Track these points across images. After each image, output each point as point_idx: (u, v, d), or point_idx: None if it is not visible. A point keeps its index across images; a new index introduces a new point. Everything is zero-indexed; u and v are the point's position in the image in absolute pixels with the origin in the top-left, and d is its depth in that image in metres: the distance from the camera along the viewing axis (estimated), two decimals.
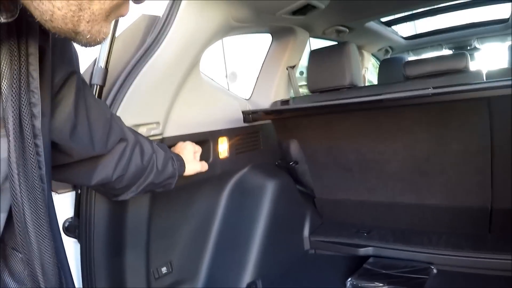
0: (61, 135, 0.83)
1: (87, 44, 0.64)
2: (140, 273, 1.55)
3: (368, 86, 3.16)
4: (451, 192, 2.23)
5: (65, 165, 0.93)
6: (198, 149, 1.48)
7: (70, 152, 0.90)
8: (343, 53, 2.26)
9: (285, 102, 2.42)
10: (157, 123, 1.49)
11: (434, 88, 1.65)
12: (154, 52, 1.43)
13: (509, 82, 1.50)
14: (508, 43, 3.73)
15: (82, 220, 1.31)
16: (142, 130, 1.42)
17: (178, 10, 1.47)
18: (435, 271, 1.98)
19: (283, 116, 2.40)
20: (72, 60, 0.83)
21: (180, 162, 1.32)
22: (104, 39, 0.66)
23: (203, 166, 1.45)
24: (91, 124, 0.92)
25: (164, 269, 1.74)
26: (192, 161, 1.41)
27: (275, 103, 2.41)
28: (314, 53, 2.41)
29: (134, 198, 1.26)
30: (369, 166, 2.39)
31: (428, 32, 4.03)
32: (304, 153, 2.51)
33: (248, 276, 1.95)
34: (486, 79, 1.95)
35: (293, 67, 2.51)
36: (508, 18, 3.37)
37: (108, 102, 1.32)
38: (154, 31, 1.47)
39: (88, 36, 0.62)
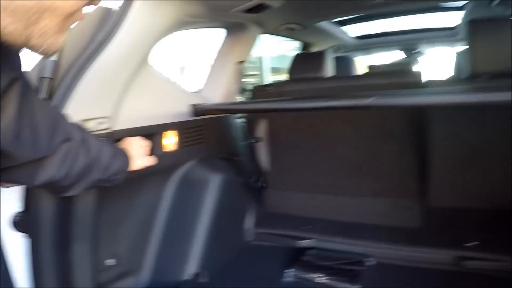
0: (5, 141, 0.85)
1: (43, 54, 0.67)
2: (87, 265, 1.57)
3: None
4: (390, 188, 2.42)
5: (9, 167, 0.96)
6: (146, 144, 1.52)
7: (14, 156, 0.92)
8: None
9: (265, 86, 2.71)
10: (107, 117, 1.51)
11: None
12: (106, 46, 1.44)
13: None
14: (454, 48, 3.97)
15: (30, 214, 1.32)
16: (92, 125, 1.43)
17: (132, 4, 1.49)
18: (373, 263, 2.12)
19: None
20: (15, 65, 0.84)
21: (126, 157, 1.35)
22: (59, 49, 0.69)
23: (150, 161, 1.50)
24: (35, 128, 0.93)
25: (110, 261, 1.78)
26: (140, 156, 1.45)
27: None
28: None
29: (81, 194, 1.29)
30: (322, 156, 2.53)
31: (378, 33, 4.20)
32: (269, 134, 2.62)
33: (192, 267, 2.02)
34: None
35: (241, 62, 2.56)
36: (454, 27, 3.57)
37: (58, 96, 1.33)
38: (107, 25, 1.48)
39: (42, 48, 0.65)
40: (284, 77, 8.83)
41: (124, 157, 1.34)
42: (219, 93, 2.45)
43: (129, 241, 1.90)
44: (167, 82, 2.01)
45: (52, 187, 1.14)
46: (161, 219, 2.04)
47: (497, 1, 2.45)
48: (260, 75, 8.74)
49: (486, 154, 2.09)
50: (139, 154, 1.45)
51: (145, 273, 1.96)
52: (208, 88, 2.47)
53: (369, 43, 4.31)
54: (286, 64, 2.94)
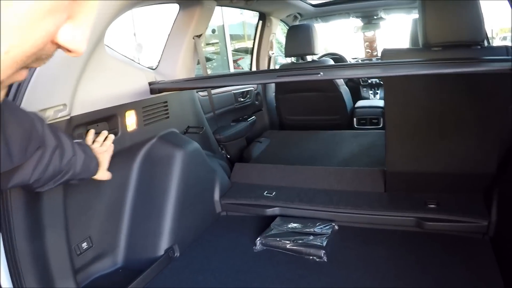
0: None
1: None
2: (63, 251, 1.65)
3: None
4: (353, 156, 2.69)
5: None
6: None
7: None
8: None
9: None
10: (64, 104, 1.55)
11: None
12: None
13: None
14: (412, 16, 4.13)
15: (0, 208, 1.38)
16: (50, 113, 1.49)
17: None
18: (336, 227, 2.27)
19: None
20: None
21: (96, 166, 1.48)
22: None
23: (108, 176, 1.62)
24: (7, 139, 0.99)
25: (84, 245, 1.87)
26: (104, 169, 1.58)
27: None
28: None
29: None
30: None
31: (337, 0, 4.31)
32: None
33: (165, 242, 2.12)
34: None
35: (199, 36, 2.62)
36: None
37: (13, 89, 1.37)
38: None
39: None
40: (245, 44, 8.87)
41: (94, 165, 1.47)
42: (176, 69, 2.52)
43: (101, 223, 1.99)
44: (123, 61, 2.06)
45: (25, 186, 1.25)
46: (130, 199, 2.13)
47: None
48: (221, 43, 8.79)
49: (439, 121, 2.25)
50: (104, 167, 1.58)
51: (120, 252, 2.06)
52: (165, 64, 2.52)
53: (328, 10, 4.42)
54: (246, 31, 3.06)
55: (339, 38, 7.34)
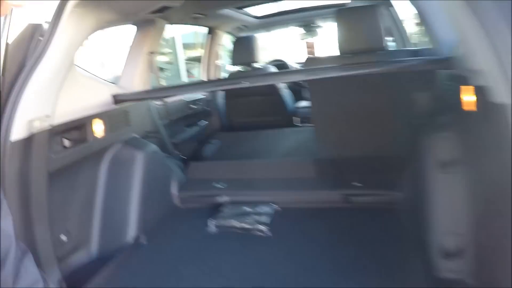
0: None
1: None
2: (48, 242, 1.97)
3: None
4: (292, 150, 3.29)
5: None
6: None
7: None
8: None
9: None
10: (47, 115, 1.92)
11: None
12: (41, 58, 1.85)
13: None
14: None
15: None
16: (37, 124, 1.85)
17: (59, 21, 1.90)
18: (278, 208, 2.72)
19: None
20: None
21: None
22: None
23: None
24: None
25: (63, 237, 2.17)
26: None
27: None
28: None
29: (36, 180, 1.80)
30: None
31: (278, 12, 4.81)
32: None
33: (132, 231, 2.47)
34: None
35: (153, 53, 3.01)
36: (343, 3, 4.22)
37: (10, 104, 1.75)
38: (44, 38, 1.89)
39: None
40: (197, 52, 9.15)
41: None
42: (135, 82, 2.90)
43: (76, 218, 2.31)
44: (90, 77, 2.44)
45: None
46: (100, 195, 2.45)
47: None
48: (173, 53, 9.12)
49: (356, 114, 2.77)
50: None
51: (94, 243, 2.38)
52: (125, 78, 2.89)
53: (270, 21, 4.92)
54: (199, 39, 3.52)
55: (287, 45, 7.84)
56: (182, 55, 9.26)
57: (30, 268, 1.52)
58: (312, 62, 2.88)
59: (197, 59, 9.32)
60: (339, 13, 2.70)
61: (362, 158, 2.76)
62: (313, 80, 2.68)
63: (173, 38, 8.90)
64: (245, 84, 2.27)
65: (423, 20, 2.26)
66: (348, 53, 2.62)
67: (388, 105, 2.65)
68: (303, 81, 3.99)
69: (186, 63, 9.35)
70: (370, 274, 1.99)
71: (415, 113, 2.42)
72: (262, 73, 3.86)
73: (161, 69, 6.30)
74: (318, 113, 2.90)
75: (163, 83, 3.64)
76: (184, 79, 8.95)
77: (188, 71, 9.28)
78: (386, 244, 2.18)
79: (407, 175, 2.46)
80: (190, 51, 9.89)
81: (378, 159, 2.68)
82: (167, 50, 8.91)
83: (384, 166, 2.60)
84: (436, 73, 2.16)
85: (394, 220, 2.35)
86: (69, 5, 1.90)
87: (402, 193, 2.49)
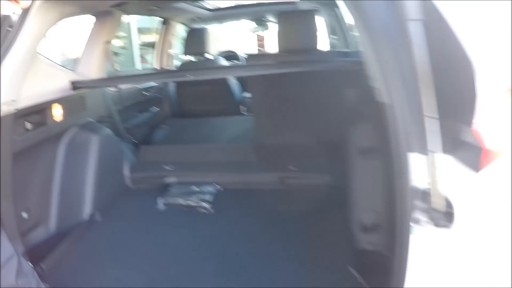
0: None
1: None
2: (12, 218, 2.15)
3: None
4: (236, 136, 3.61)
5: None
6: None
7: None
8: None
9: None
10: (14, 100, 2.10)
11: None
12: (11, 47, 2.03)
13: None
14: None
15: None
16: (4, 107, 2.02)
17: (28, 14, 2.08)
18: (221, 189, 3.03)
19: None
20: None
21: None
22: None
23: None
24: None
25: (24, 214, 2.33)
26: None
27: None
28: None
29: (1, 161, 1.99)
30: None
31: (230, 6, 5.05)
32: None
33: (88, 209, 2.68)
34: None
35: (109, 42, 3.19)
36: (294, 1, 4.51)
37: None
38: (13, 29, 2.06)
39: None
40: (151, 37, 9.18)
41: None
42: (91, 69, 3.07)
43: (36, 196, 2.47)
44: (51, 65, 2.59)
45: None
46: (58, 175, 2.61)
47: None
48: (128, 38, 9.15)
49: (290, 105, 3.11)
50: None
51: (52, 220, 2.56)
52: (83, 66, 3.05)
53: (222, 14, 5.17)
54: (153, 24, 3.73)
55: (240, 36, 8.08)
56: (137, 40, 9.30)
57: (4, 244, 1.68)
58: (253, 58, 3.19)
59: (152, 45, 9.40)
60: (280, 15, 2.99)
61: (297, 145, 3.07)
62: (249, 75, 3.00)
63: (128, 24, 8.92)
64: (190, 78, 2.52)
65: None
66: (285, 52, 2.92)
67: (320, 98, 2.97)
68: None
69: (141, 48, 9.40)
70: (301, 245, 2.30)
71: (344, 105, 2.71)
72: (210, 65, 4.13)
73: (115, 53, 6.43)
74: (257, 104, 3.22)
75: (117, 69, 3.82)
76: (138, 65, 9.02)
77: (142, 56, 9.33)
78: (316, 220, 2.49)
79: (336, 160, 2.75)
80: (145, 36, 9.92)
81: (312, 145, 3.00)
82: (122, 34, 8.94)
83: (316, 152, 2.92)
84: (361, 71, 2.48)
85: (324, 200, 2.67)
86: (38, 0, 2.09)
87: (332, 176, 2.83)
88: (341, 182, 2.54)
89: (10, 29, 2.10)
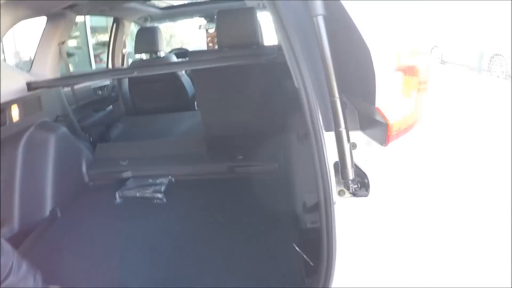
0: None
1: None
2: None
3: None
4: (188, 129, 3.83)
5: None
6: None
7: None
8: None
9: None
10: None
11: None
12: None
13: None
14: None
15: None
16: None
17: None
18: (173, 179, 3.20)
19: None
20: None
21: None
22: None
23: None
24: None
25: None
26: None
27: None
28: None
29: None
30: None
31: (181, 4, 5.20)
32: None
33: (48, 205, 2.78)
34: None
35: (63, 43, 3.29)
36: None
37: None
38: None
39: None
40: (106, 36, 9.13)
41: None
42: (46, 70, 3.15)
43: None
44: (6, 67, 2.69)
45: None
46: (18, 175, 2.67)
47: None
48: (82, 37, 9.10)
49: (234, 97, 3.29)
50: None
51: (15, 220, 2.61)
52: (38, 67, 3.14)
53: (174, 13, 5.31)
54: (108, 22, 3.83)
55: (191, 33, 8.19)
56: (91, 39, 9.26)
57: None
58: (196, 55, 3.39)
59: (106, 44, 9.38)
60: (219, 13, 3.13)
61: (244, 135, 3.26)
62: (196, 70, 3.16)
63: (83, 23, 8.89)
64: (135, 74, 2.67)
65: None
66: (226, 47, 3.10)
67: (262, 90, 3.17)
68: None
69: (95, 48, 9.36)
70: (250, 228, 2.49)
71: (283, 96, 2.87)
72: (159, 63, 4.26)
73: (70, 54, 6.44)
74: (203, 98, 3.42)
75: (71, 69, 3.91)
76: (93, 65, 9.01)
77: (97, 56, 9.30)
78: (264, 205, 2.64)
79: (280, 147, 2.98)
80: (100, 36, 9.86)
81: (257, 135, 3.15)
82: (75, 33, 8.88)
83: (262, 141, 3.07)
84: None
85: (272, 186, 2.82)
86: None
87: (277, 163, 3.03)
88: (285, 168, 2.75)
89: None
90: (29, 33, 3.87)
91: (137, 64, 4.42)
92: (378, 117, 1.36)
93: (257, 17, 3.14)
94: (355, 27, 1.27)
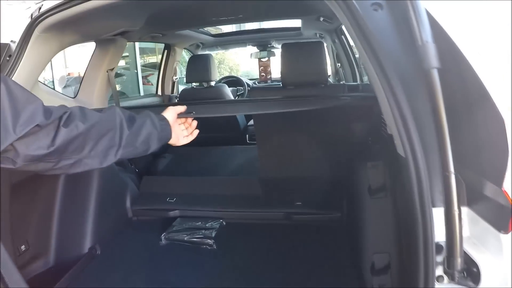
0: None
1: None
2: (10, 251, 2.06)
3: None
4: (240, 167, 3.55)
5: None
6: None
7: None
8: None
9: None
10: None
11: None
12: (10, 76, 2.02)
13: None
14: None
15: None
16: None
17: (27, 44, 2.07)
18: (224, 223, 2.97)
19: None
20: None
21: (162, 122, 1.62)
22: None
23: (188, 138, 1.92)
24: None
25: (23, 247, 2.30)
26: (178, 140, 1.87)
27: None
28: None
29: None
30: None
31: (234, 32, 5.10)
32: None
33: (88, 242, 2.62)
34: None
35: (112, 69, 3.19)
36: (300, 27, 4.49)
37: None
38: (11, 58, 2.05)
39: None
40: (155, 58, 9.18)
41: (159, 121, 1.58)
42: (93, 98, 3.05)
43: (35, 228, 2.44)
44: (50, 93, 2.60)
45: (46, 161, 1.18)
46: (57, 207, 2.55)
47: (322, 18, 3.41)
48: (130, 57, 9.21)
49: (297, 139, 3.06)
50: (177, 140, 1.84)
51: (51, 254, 2.49)
52: (83, 94, 3.05)
53: (226, 40, 5.18)
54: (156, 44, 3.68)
55: (242, 61, 8.12)
56: (139, 60, 9.35)
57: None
58: (255, 92, 3.17)
59: (154, 66, 9.45)
60: (284, 47, 2.91)
61: (304, 179, 3.02)
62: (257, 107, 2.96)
63: (132, 44, 9.01)
64: (192, 114, 2.46)
65: None
66: (291, 85, 2.85)
67: (329, 132, 2.93)
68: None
69: (143, 70, 9.43)
70: (308, 284, 2.25)
71: (353, 140, 2.69)
72: (212, 93, 4.16)
73: (118, 75, 6.43)
74: (262, 136, 3.17)
75: (118, 88, 3.82)
76: (141, 86, 9.06)
77: (145, 77, 9.37)
78: (323, 259, 2.43)
79: (345, 197, 2.72)
80: (148, 57, 9.95)
81: (319, 180, 2.95)
82: (124, 54, 8.98)
83: (324, 187, 2.87)
84: (373, 107, 2.40)
85: (332, 238, 2.61)
86: (36, 31, 2.07)
87: (340, 213, 2.77)
88: (350, 221, 2.51)
89: (8, 58, 2.11)
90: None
91: (189, 93, 4.30)
92: (500, 199, 1.12)
93: (325, 52, 2.92)
94: (487, 93, 1.07)
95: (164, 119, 1.64)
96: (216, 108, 2.78)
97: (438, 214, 1.20)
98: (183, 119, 1.88)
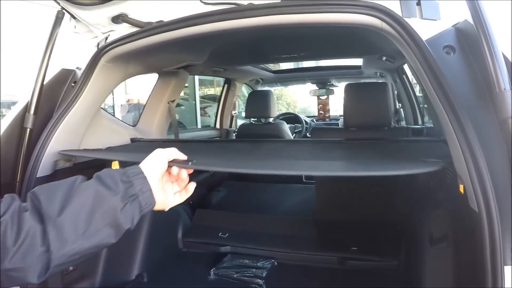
0: None
1: None
2: None
3: None
4: (295, 206, 3.49)
5: None
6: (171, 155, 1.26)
7: None
8: None
9: None
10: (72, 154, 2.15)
11: None
12: (75, 102, 2.08)
13: None
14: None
15: None
16: (61, 162, 2.09)
17: (92, 73, 2.13)
18: (275, 263, 2.89)
19: None
20: None
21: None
22: None
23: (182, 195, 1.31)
24: None
25: (71, 267, 2.30)
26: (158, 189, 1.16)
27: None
28: None
29: None
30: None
31: (294, 68, 5.13)
32: None
33: (136, 269, 2.66)
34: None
35: (173, 101, 3.27)
36: (361, 66, 4.46)
37: (41, 140, 1.98)
38: (76, 84, 2.12)
39: None
40: (213, 90, 9.39)
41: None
42: (152, 128, 3.13)
43: None
44: (112, 120, 2.67)
45: None
46: None
47: (385, 58, 3.37)
48: (190, 88, 9.45)
49: (356, 181, 2.97)
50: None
51: (98, 276, 2.52)
52: (143, 123, 3.13)
53: (286, 76, 5.22)
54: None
55: (299, 97, 8.16)
56: (197, 91, 9.57)
57: None
58: (317, 133, 3.13)
59: (212, 98, 9.65)
60: (348, 87, 2.89)
61: (361, 223, 2.94)
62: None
63: (192, 76, 9.29)
64: (251, 170, 2.36)
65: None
66: (354, 126, 2.81)
67: (390, 176, 2.84)
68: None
69: (201, 101, 9.64)
70: None
71: (415, 187, 2.58)
72: (271, 129, 4.19)
73: (177, 105, 6.62)
74: (320, 177, 3.10)
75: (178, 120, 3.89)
76: (198, 117, 9.25)
77: (203, 109, 9.57)
78: None
79: (403, 244, 2.62)
80: (206, 88, 10.19)
81: (376, 226, 2.85)
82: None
83: (381, 233, 2.77)
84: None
85: (388, 285, 2.51)
86: (102, 60, 2.14)
87: (396, 261, 2.65)
88: (408, 270, 2.40)
89: (73, 84, 2.20)
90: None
91: (247, 129, 4.35)
92: None
93: (390, 94, 2.86)
94: None
95: (140, 173, 1.12)
96: (266, 163, 2.78)
97: (508, 273, 1.13)
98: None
